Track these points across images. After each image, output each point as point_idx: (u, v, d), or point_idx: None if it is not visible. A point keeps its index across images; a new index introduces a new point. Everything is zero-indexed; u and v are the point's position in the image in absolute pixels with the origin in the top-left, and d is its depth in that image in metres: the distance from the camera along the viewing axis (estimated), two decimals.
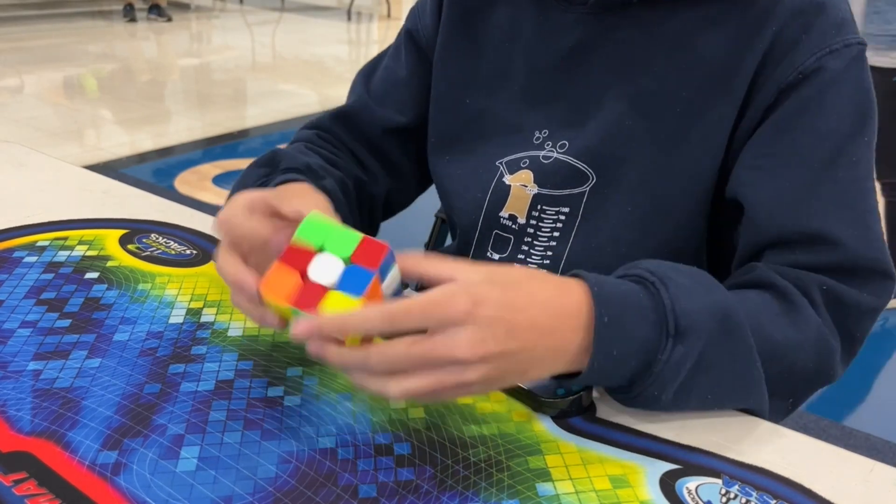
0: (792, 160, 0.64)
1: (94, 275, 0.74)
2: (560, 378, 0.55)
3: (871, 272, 0.63)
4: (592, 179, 0.71)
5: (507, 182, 0.74)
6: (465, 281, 0.48)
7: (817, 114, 0.64)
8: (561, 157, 0.72)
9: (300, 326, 0.47)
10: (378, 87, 0.84)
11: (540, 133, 0.73)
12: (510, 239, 0.75)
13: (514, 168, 0.74)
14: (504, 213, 0.75)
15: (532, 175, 0.73)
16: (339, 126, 0.83)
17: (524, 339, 0.49)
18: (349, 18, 7.37)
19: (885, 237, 0.65)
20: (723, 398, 0.58)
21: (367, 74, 0.86)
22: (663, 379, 0.53)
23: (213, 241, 0.82)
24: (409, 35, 0.83)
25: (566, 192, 0.72)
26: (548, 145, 0.73)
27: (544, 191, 0.73)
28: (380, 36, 6.90)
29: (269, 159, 0.74)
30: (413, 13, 0.85)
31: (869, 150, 0.65)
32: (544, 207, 0.73)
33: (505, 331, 0.48)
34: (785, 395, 0.61)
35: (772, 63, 0.65)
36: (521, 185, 0.74)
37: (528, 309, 0.49)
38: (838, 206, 0.63)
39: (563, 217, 0.72)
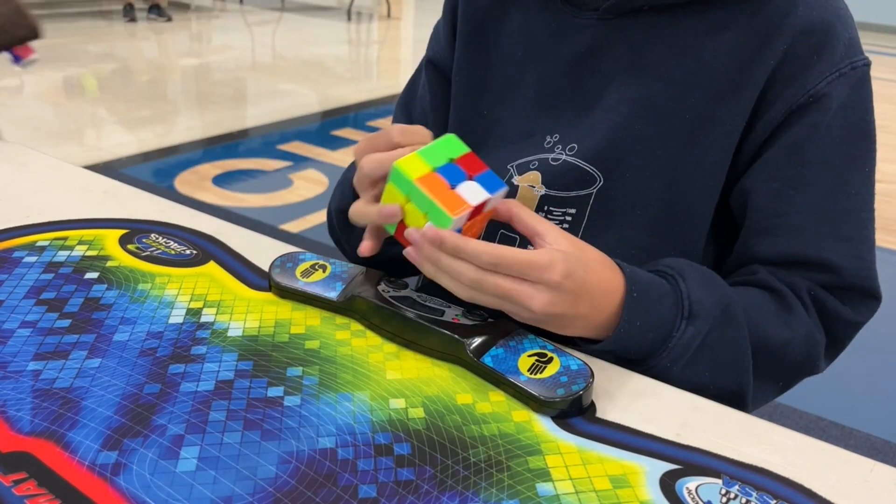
0: (800, 187, 0.68)
1: (94, 275, 0.74)
2: (584, 341, 0.64)
3: (857, 292, 0.70)
4: (599, 181, 0.71)
5: (516, 183, 0.75)
6: (564, 252, 0.58)
7: (826, 143, 0.67)
8: (569, 159, 0.72)
9: (429, 231, 0.57)
10: (419, 118, 0.87)
11: (551, 137, 0.74)
12: (516, 239, 0.75)
13: (523, 170, 0.75)
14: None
15: (540, 176, 0.73)
16: None
17: (580, 309, 0.59)
18: (349, 18, 7.37)
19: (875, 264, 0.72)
20: (717, 376, 0.65)
21: (406, 106, 0.89)
22: (675, 354, 0.62)
23: (213, 242, 0.82)
24: (429, 63, 0.86)
25: (573, 193, 0.72)
26: (557, 148, 0.73)
27: (552, 192, 0.73)
28: (380, 36, 6.90)
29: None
30: (430, 41, 0.87)
31: (869, 182, 0.70)
32: (551, 208, 0.73)
33: (573, 300, 0.58)
34: (775, 379, 0.70)
35: (782, 81, 0.67)
36: (529, 185, 0.74)
37: (594, 289, 0.60)
38: (840, 237, 0.68)
39: (569, 218, 0.73)
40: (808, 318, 0.68)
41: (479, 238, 0.61)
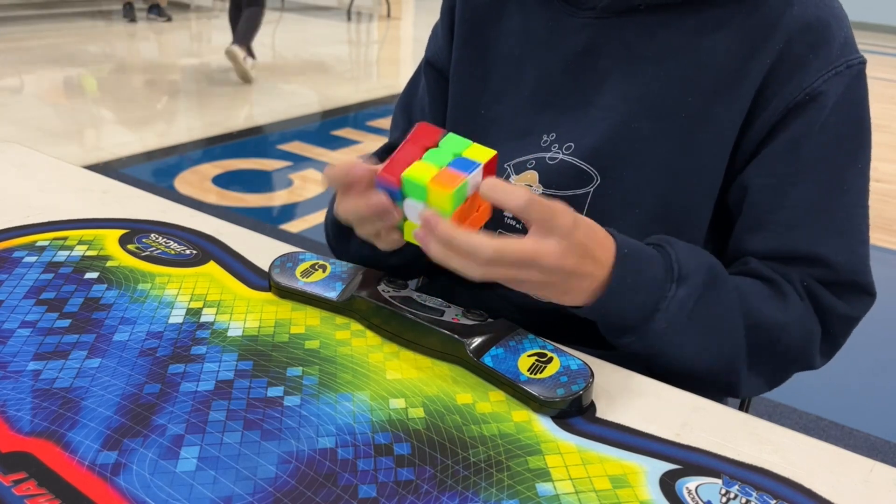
0: (795, 183, 0.68)
1: (94, 275, 0.74)
2: (571, 308, 0.62)
3: (851, 287, 0.70)
4: (596, 180, 0.71)
5: (513, 182, 0.75)
6: (566, 208, 0.56)
7: (821, 140, 0.68)
8: (566, 158, 0.72)
9: (435, 225, 0.56)
10: (419, 119, 0.87)
11: (548, 136, 0.74)
12: (518, 229, 0.75)
13: (520, 169, 0.75)
14: (508, 213, 0.75)
15: (537, 175, 0.73)
16: None
17: (585, 266, 0.58)
18: (349, 18, 7.37)
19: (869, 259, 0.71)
20: (708, 344, 0.65)
21: (405, 108, 0.89)
22: (670, 315, 0.61)
23: (212, 241, 0.82)
24: (427, 64, 0.86)
25: (570, 192, 0.72)
26: (554, 147, 0.73)
27: (549, 191, 0.73)
28: (380, 36, 6.90)
29: None
30: (429, 42, 0.87)
31: (863, 178, 0.70)
32: None
33: (581, 255, 0.57)
34: (766, 368, 0.69)
35: (779, 79, 0.67)
36: (527, 185, 0.74)
37: (597, 244, 0.59)
38: (833, 232, 0.69)
39: None
40: (803, 305, 0.68)
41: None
